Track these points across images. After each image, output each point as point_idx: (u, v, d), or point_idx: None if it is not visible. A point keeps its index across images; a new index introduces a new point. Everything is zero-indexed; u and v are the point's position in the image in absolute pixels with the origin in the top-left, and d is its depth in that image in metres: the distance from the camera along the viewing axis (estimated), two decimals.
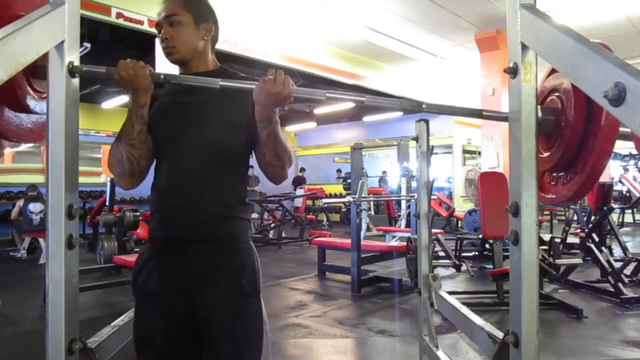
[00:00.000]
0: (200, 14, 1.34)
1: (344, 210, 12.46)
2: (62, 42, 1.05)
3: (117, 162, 1.26)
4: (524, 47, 1.09)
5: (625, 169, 11.98)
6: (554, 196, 1.30)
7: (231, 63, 7.73)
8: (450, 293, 2.28)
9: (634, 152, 11.03)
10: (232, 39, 6.59)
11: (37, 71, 1.20)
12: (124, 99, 9.54)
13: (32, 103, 1.25)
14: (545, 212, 9.91)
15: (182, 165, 1.27)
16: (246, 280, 1.26)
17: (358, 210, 5.00)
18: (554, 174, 1.30)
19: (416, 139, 2.10)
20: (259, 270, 1.32)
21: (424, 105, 1.20)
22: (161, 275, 1.25)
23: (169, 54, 1.32)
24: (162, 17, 1.31)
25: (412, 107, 1.24)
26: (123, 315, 1.51)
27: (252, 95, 1.18)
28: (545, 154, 1.27)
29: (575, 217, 7.40)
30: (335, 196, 12.79)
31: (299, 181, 13.39)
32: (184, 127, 1.28)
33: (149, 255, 1.29)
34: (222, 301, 1.23)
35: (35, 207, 6.99)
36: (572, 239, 6.13)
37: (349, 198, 4.88)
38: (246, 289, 1.25)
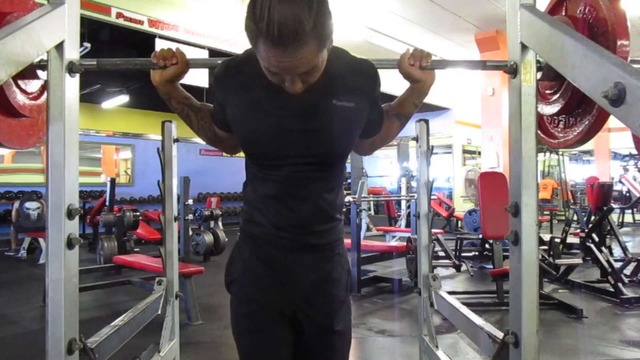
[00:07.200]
0: (327, 39, 1.02)
1: (343, 210, 12.43)
2: (62, 42, 1.05)
3: None
4: (524, 47, 1.09)
5: (625, 169, 12.01)
6: (560, 140, 1.26)
7: None
8: (450, 293, 2.28)
9: (634, 152, 11.04)
10: (232, 38, 6.59)
11: (25, 71, 1.16)
12: (123, 99, 9.54)
13: (20, 105, 1.18)
14: (545, 212, 9.92)
15: None
16: None
17: (358, 210, 5.00)
18: (561, 118, 1.26)
19: (416, 139, 2.10)
20: None
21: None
22: None
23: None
24: (295, 74, 1.00)
25: None
26: (122, 315, 1.51)
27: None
28: (552, 98, 1.23)
29: (575, 217, 7.40)
30: None
31: None
32: None
33: None
34: None
35: (31, 204, 7.05)
36: (572, 239, 6.12)
37: (348, 198, 4.87)
38: None
